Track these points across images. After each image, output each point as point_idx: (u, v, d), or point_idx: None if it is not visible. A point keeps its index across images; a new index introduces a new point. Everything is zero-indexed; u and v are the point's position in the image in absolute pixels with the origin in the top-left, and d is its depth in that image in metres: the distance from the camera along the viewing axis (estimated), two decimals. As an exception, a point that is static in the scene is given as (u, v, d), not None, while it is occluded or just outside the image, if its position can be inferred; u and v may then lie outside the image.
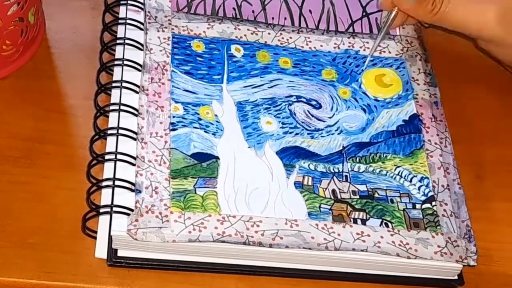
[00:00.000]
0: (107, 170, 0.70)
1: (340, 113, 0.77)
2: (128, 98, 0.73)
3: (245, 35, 0.80)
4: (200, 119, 0.73)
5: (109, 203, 0.67)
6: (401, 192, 0.72)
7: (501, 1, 0.79)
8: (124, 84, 0.74)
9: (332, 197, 0.71)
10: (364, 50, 0.82)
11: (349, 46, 0.82)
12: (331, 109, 0.77)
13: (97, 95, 0.74)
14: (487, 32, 0.80)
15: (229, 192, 0.69)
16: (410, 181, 0.73)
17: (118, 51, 0.77)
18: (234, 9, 0.82)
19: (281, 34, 0.81)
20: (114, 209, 0.67)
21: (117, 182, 0.68)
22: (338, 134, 0.75)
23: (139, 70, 0.75)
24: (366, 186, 0.72)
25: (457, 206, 0.72)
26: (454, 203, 0.72)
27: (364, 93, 0.78)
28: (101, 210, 0.67)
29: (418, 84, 0.80)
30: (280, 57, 0.80)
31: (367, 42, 0.82)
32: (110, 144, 0.71)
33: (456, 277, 0.71)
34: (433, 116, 0.78)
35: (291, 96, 0.77)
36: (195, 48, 0.78)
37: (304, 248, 0.67)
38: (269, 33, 0.81)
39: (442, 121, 0.78)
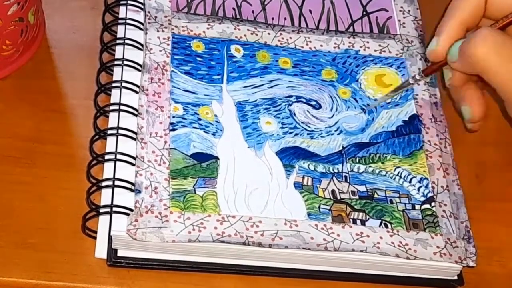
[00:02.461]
0: (107, 170, 0.70)
1: (340, 113, 0.77)
2: (128, 98, 0.73)
3: (245, 35, 0.80)
4: (199, 119, 0.73)
5: (109, 203, 0.67)
6: (400, 192, 0.72)
7: None
8: (124, 84, 0.74)
9: (332, 198, 0.71)
10: (364, 50, 0.82)
11: (349, 46, 0.82)
12: (331, 109, 0.77)
13: (97, 95, 0.74)
14: None
15: (229, 192, 0.69)
16: (410, 181, 0.73)
17: (118, 51, 0.77)
18: (234, 9, 0.82)
19: (281, 34, 0.81)
20: (114, 209, 0.67)
21: (117, 182, 0.68)
22: (338, 134, 0.75)
23: (139, 70, 0.75)
24: (366, 187, 0.72)
25: (456, 207, 0.72)
26: (454, 204, 0.72)
27: (364, 93, 0.78)
28: (101, 210, 0.68)
29: (418, 84, 0.80)
30: (280, 57, 0.79)
31: (367, 42, 0.82)
32: (110, 144, 0.71)
33: (456, 277, 0.71)
34: (433, 116, 0.78)
35: (291, 96, 0.77)
36: (195, 48, 0.78)
37: (303, 248, 0.67)
38: (269, 33, 0.81)
39: (442, 122, 0.78)
